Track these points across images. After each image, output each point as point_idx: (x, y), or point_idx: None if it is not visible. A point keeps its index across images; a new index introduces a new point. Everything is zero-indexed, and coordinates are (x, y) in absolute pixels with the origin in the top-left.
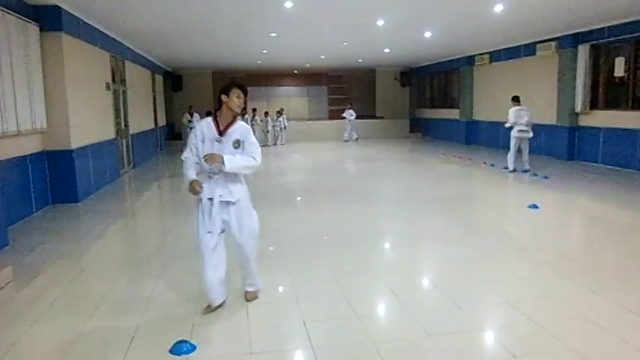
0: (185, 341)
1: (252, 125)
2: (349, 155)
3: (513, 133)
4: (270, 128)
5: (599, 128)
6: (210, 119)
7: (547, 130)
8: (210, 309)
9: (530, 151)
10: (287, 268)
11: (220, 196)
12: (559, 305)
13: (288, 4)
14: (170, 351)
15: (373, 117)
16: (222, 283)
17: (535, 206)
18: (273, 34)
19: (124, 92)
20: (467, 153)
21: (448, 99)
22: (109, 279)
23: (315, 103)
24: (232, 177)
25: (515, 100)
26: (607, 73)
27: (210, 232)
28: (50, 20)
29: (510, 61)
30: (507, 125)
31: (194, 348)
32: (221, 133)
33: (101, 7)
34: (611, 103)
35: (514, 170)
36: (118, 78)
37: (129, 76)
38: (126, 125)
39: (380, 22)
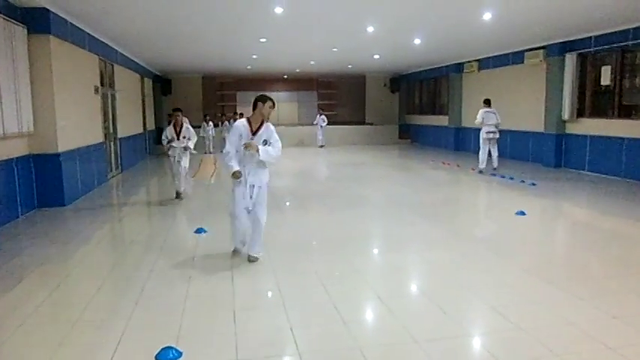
0: (171, 347)
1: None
2: (338, 161)
3: (482, 135)
4: None
5: (586, 136)
6: (245, 121)
7: (535, 138)
8: (236, 253)
9: (498, 152)
10: (274, 274)
11: (252, 181)
12: (544, 311)
13: (278, 10)
14: (156, 357)
15: (363, 123)
16: (243, 243)
17: (522, 213)
18: (263, 40)
19: (113, 96)
20: (455, 159)
21: (437, 105)
22: (95, 284)
23: (304, 109)
24: (261, 167)
25: (486, 102)
26: (593, 81)
27: (245, 208)
28: (38, 22)
29: (499, 68)
30: (476, 123)
31: (180, 354)
32: (254, 133)
33: (90, 9)
34: (598, 112)
35: (481, 171)
36: (106, 81)
37: (118, 79)
38: (114, 129)
39: (370, 29)
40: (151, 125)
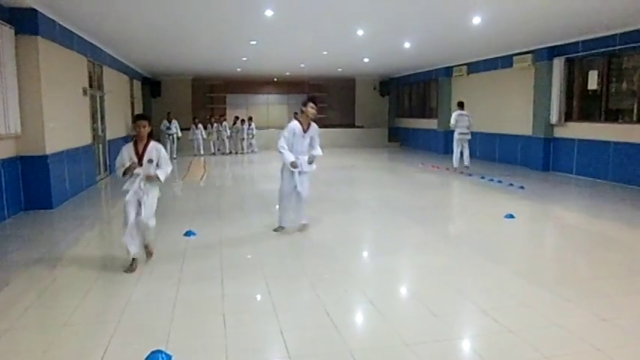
0: (160, 351)
1: (230, 132)
2: (328, 164)
3: (455, 136)
4: (244, 136)
5: (574, 140)
6: (296, 122)
7: (523, 141)
8: (280, 229)
9: (470, 152)
10: (265, 277)
11: (303, 169)
12: (534, 313)
13: (269, 13)
14: None
15: (353, 126)
16: (291, 219)
17: (511, 216)
18: (253, 42)
19: (102, 97)
20: (445, 163)
21: (427, 109)
22: (84, 287)
23: (294, 111)
24: (310, 159)
25: (460, 105)
26: (581, 85)
27: (295, 187)
28: (26, 23)
29: (488, 72)
30: (451, 125)
31: (169, 358)
32: (305, 131)
33: (78, 10)
34: (585, 116)
35: (455, 169)
36: (95, 83)
37: (106, 81)
38: (103, 131)
39: (360, 32)
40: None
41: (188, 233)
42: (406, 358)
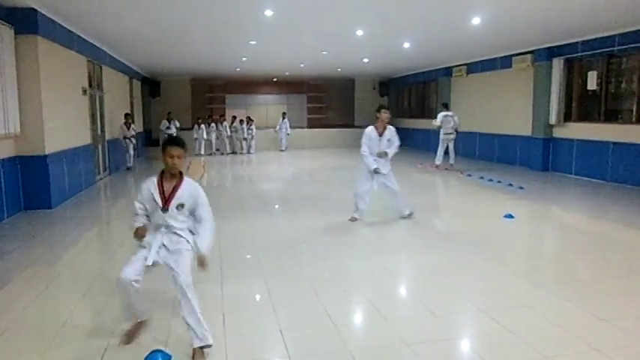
0: (160, 351)
1: (230, 131)
2: (327, 164)
3: (441, 136)
4: (246, 135)
5: (573, 140)
6: (372, 128)
7: (522, 142)
8: (354, 219)
9: (455, 152)
10: (264, 277)
11: (382, 170)
12: (533, 314)
13: (269, 13)
14: None
15: (352, 126)
16: (361, 213)
17: (510, 216)
18: (253, 42)
19: (101, 97)
20: (444, 163)
21: (426, 109)
22: (83, 287)
23: (294, 112)
24: (388, 160)
25: (445, 106)
26: (580, 86)
27: (369, 187)
28: (25, 23)
29: (487, 73)
30: (435, 124)
31: (169, 358)
32: (381, 135)
33: (78, 10)
34: (584, 116)
35: (437, 166)
36: (94, 83)
37: (106, 81)
38: (102, 131)
39: (359, 32)
40: (139, 128)
41: None
42: (405, 358)
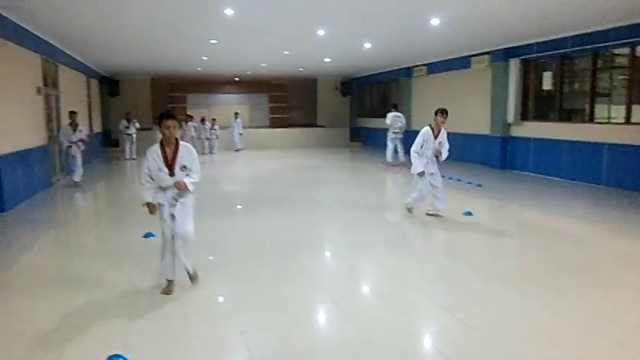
0: (118, 356)
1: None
2: (290, 164)
3: (389, 134)
4: (209, 135)
5: (530, 139)
6: (429, 128)
7: (481, 140)
8: (433, 212)
9: (403, 149)
10: (227, 278)
11: (430, 170)
12: (493, 309)
13: (229, 12)
14: None
15: (314, 125)
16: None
17: (469, 213)
18: (214, 41)
19: (57, 97)
20: (405, 162)
21: (387, 109)
22: (37, 293)
23: (256, 111)
24: (436, 162)
25: (394, 107)
26: (536, 86)
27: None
28: None
29: (447, 73)
30: (387, 123)
31: None
32: (435, 137)
33: (30, 6)
34: (540, 115)
35: (387, 163)
36: (50, 82)
37: (62, 80)
38: (59, 131)
39: (321, 32)
40: (97, 128)
41: (147, 235)
42: (368, 357)
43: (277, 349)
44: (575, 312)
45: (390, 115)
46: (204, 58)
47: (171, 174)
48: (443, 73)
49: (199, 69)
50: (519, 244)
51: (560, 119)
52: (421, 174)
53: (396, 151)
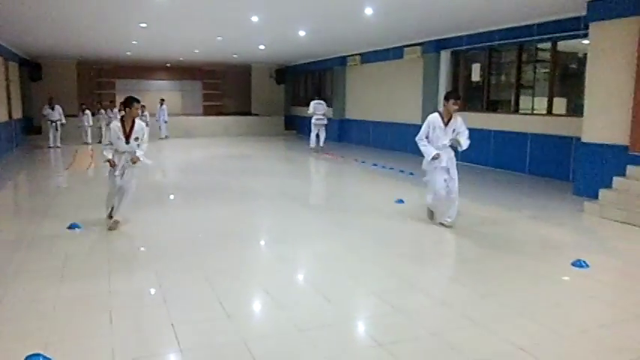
0: (39, 355)
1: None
2: (223, 152)
3: (313, 121)
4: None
5: None
6: (437, 114)
7: (413, 129)
8: (442, 225)
9: (325, 136)
10: (157, 269)
11: (446, 163)
12: (422, 294)
13: None
14: None
15: (248, 114)
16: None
17: (401, 201)
18: (143, 25)
19: None
20: (339, 151)
21: (322, 98)
22: None
23: (189, 98)
24: (451, 151)
25: (317, 94)
26: (466, 77)
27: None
28: None
29: (380, 62)
30: (309, 112)
31: None
32: (446, 125)
33: None
34: (469, 106)
35: (311, 149)
36: None
37: None
38: None
39: (254, 19)
40: (17, 114)
41: (72, 226)
42: (300, 344)
43: (209, 340)
44: (497, 293)
45: (312, 103)
46: (134, 42)
47: (127, 142)
48: (376, 62)
49: (129, 53)
50: (447, 231)
51: (488, 109)
52: (436, 157)
53: (317, 136)
